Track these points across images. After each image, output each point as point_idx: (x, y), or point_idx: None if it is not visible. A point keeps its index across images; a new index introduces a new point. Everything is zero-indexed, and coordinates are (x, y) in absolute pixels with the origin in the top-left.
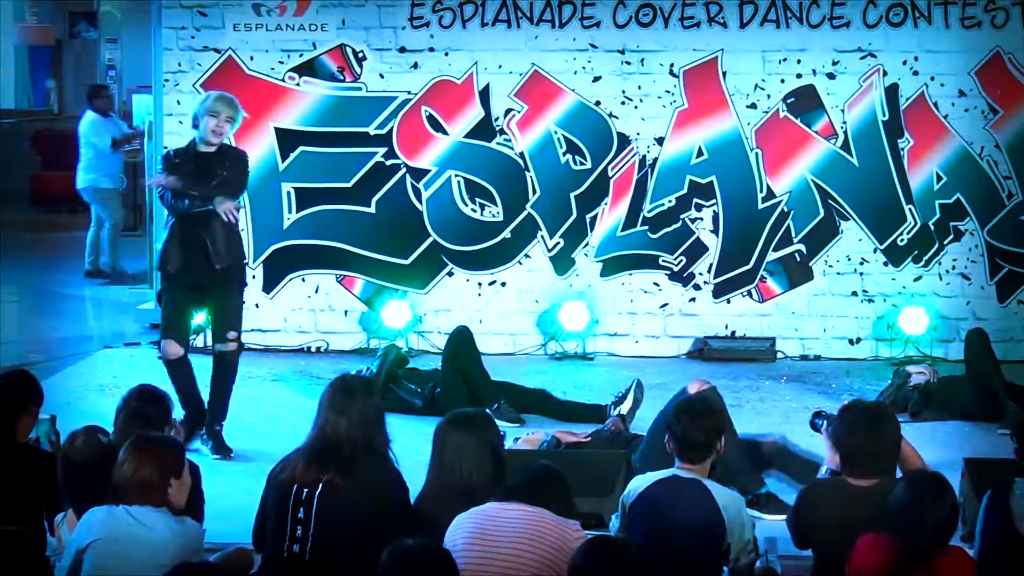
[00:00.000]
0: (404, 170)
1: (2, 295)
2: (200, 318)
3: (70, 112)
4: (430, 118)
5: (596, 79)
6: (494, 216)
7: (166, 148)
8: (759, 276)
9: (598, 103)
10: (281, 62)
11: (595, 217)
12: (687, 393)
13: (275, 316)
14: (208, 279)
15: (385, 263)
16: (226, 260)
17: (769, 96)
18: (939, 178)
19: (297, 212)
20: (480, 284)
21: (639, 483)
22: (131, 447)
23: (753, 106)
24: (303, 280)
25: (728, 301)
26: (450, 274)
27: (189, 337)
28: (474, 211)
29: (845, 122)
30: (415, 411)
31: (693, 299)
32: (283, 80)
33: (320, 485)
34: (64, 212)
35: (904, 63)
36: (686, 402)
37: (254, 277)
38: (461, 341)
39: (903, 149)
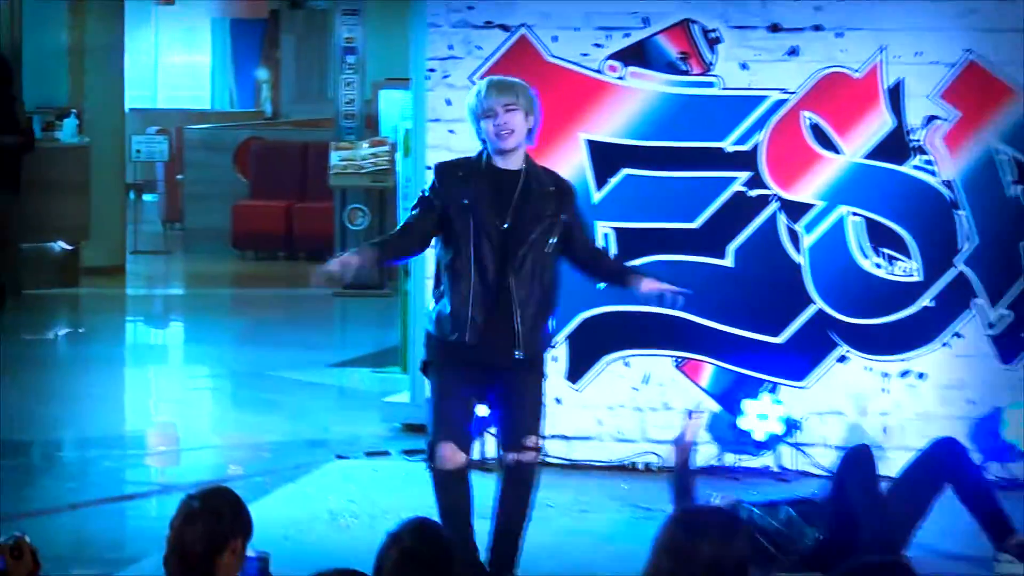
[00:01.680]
0: (776, 204)
1: (190, 378)
2: (480, 410)
3: (290, 115)
4: (815, 129)
5: None
6: (907, 274)
7: (429, 166)
8: None
9: None
10: (598, 45)
11: None
12: None
13: (585, 417)
14: (499, 364)
15: (747, 341)
16: (534, 345)
17: None
18: None
19: None
20: (887, 375)
21: None
22: None
23: None
24: (626, 364)
25: None
26: (842, 359)
27: (472, 439)
28: (878, 267)
29: None
30: (777, 564)
31: None
32: (600, 71)
33: None
34: (281, 259)
35: None
36: None
37: (555, 359)
38: (856, 468)
39: None
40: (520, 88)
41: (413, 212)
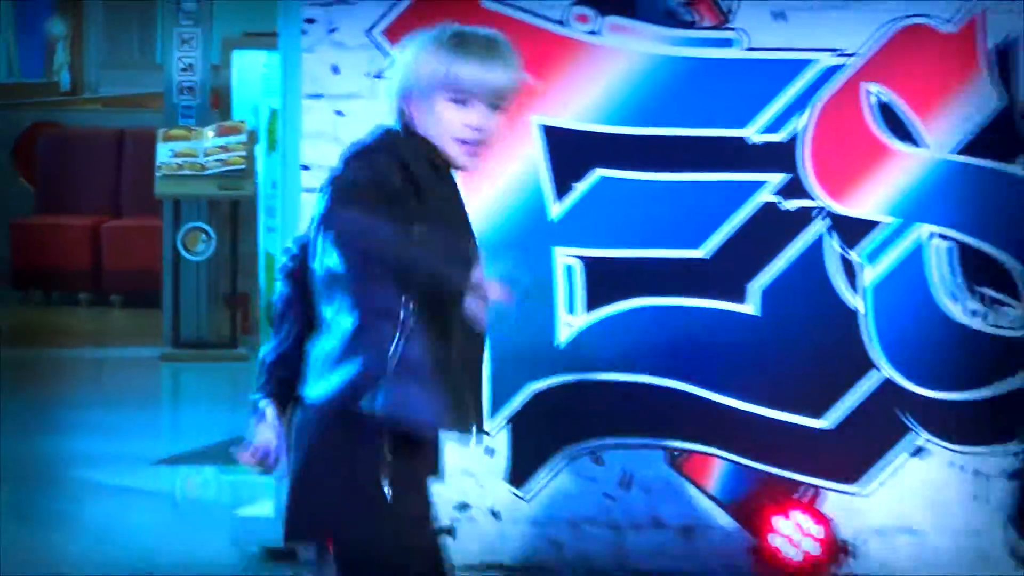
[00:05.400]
0: (825, 223)
1: None
2: None
3: (98, 89)
4: (884, 110)
5: None
6: (1020, 326)
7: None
8: None
9: None
10: None
11: None
12: None
13: (535, 537)
14: None
15: (776, 426)
16: None
17: None
18: None
19: (588, 312)
20: (982, 475)
21: None
22: None
23: None
24: (596, 461)
25: None
26: (918, 452)
27: None
28: (975, 315)
29: None
30: None
31: None
32: (564, 23)
33: None
34: (85, 303)
35: None
36: None
37: (491, 452)
38: None
39: None
40: (511, 59)
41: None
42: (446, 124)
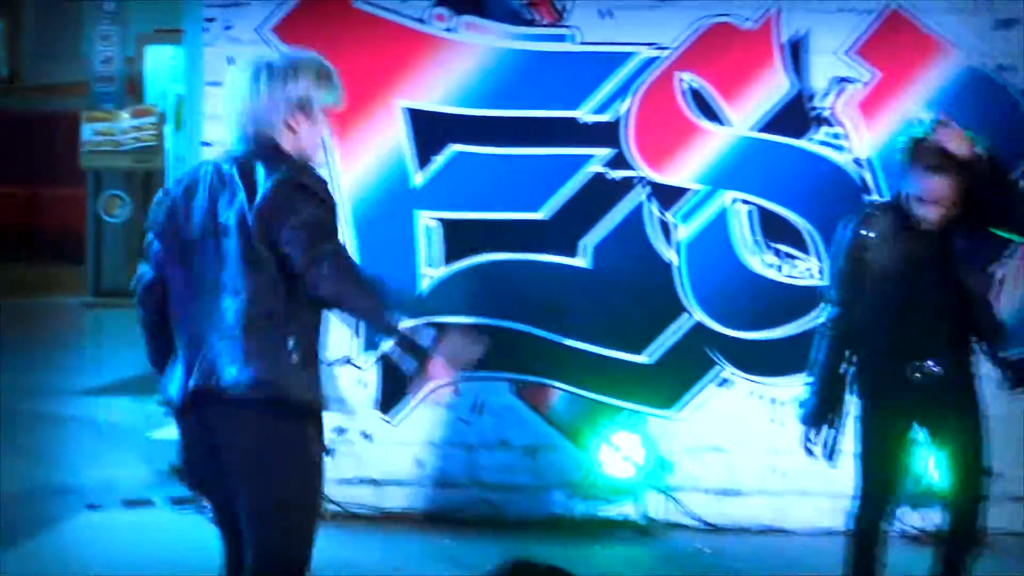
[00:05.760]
0: (644, 189)
1: None
2: None
3: (32, 78)
4: (694, 95)
5: (1004, 24)
6: (807, 276)
7: (207, 142)
8: None
9: (1003, 68)
10: None
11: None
12: None
13: (400, 456)
14: None
15: (604, 361)
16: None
17: None
18: None
19: (445, 265)
20: (778, 402)
21: None
22: None
23: None
24: (451, 391)
25: None
26: (724, 383)
27: None
28: (771, 267)
29: None
30: None
31: None
32: (424, 21)
33: None
34: (20, 260)
35: None
36: None
37: (364, 385)
38: None
39: None
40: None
41: None
42: (319, 132)
